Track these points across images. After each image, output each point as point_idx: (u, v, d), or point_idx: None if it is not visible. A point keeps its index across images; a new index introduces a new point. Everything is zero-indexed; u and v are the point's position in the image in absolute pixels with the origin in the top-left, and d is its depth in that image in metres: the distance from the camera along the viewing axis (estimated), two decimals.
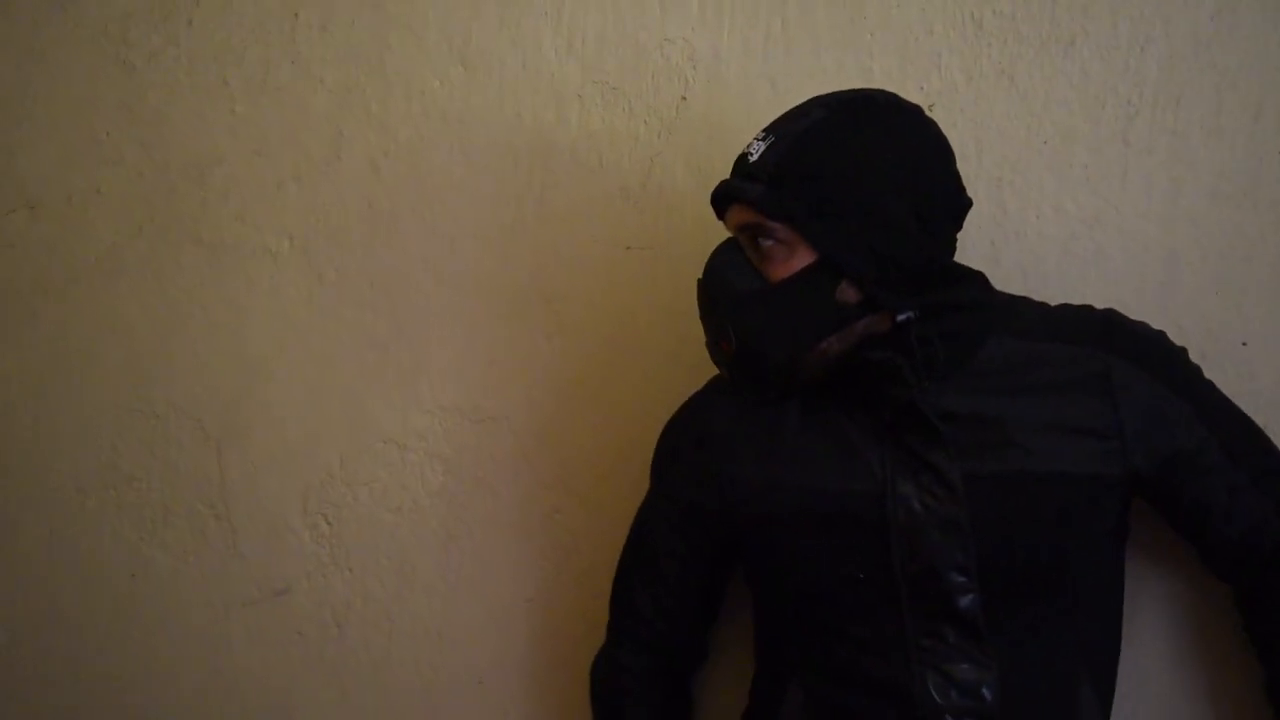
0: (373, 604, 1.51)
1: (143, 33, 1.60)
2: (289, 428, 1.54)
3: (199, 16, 1.58)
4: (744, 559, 1.17)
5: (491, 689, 1.47)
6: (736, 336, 1.03)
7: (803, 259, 1.01)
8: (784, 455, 1.08)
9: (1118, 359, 1.03)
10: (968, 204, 1.08)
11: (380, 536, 1.51)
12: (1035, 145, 1.25)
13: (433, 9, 1.48)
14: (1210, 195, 1.20)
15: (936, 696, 1.00)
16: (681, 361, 1.34)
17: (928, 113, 1.07)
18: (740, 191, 1.03)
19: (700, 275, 1.07)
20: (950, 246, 1.07)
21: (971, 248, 1.21)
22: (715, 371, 1.14)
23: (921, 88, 1.28)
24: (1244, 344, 1.18)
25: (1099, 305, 1.10)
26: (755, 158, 1.02)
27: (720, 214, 1.08)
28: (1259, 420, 1.08)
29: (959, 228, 1.08)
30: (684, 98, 1.38)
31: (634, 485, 1.31)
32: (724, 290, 1.04)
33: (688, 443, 1.18)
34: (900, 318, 1.02)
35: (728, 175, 1.07)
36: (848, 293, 1.01)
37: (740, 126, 1.32)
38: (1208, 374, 1.08)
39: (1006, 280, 1.18)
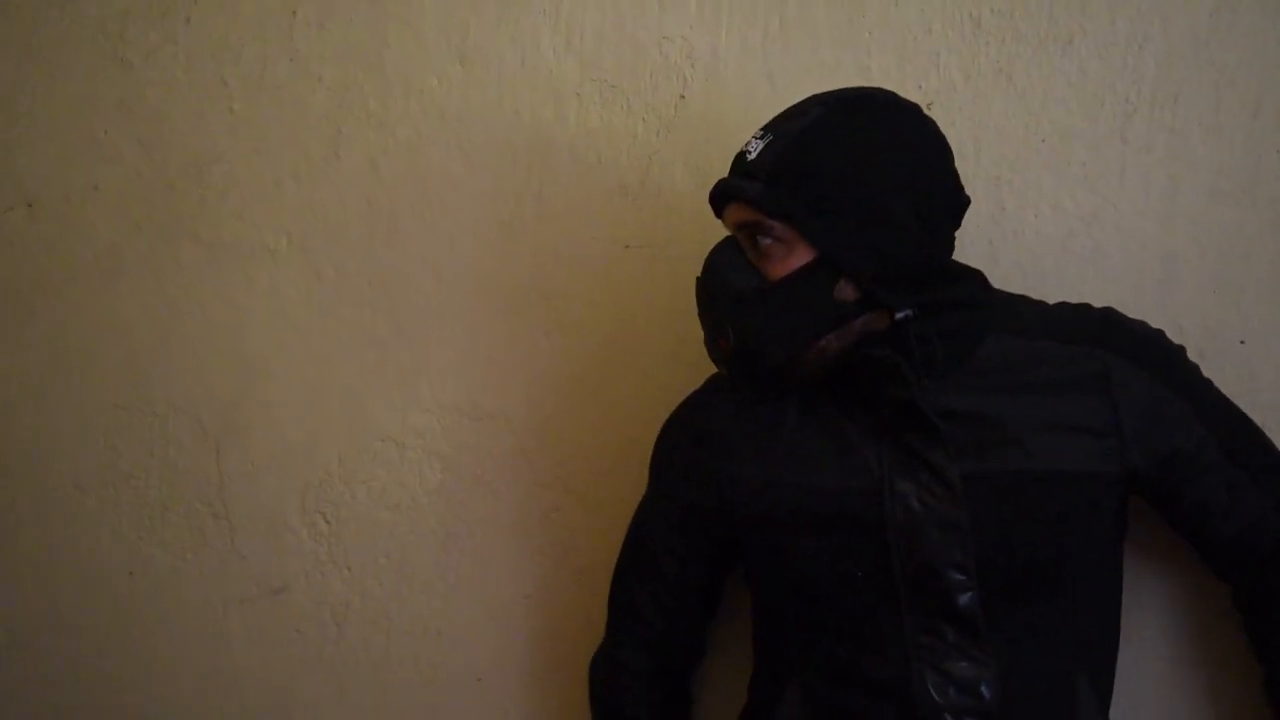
0: (371, 602, 1.51)
1: (140, 30, 1.60)
2: (287, 426, 1.54)
3: (197, 14, 1.58)
4: (743, 558, 1.17)
5: (490, 687, 1.47)
6: (735, 335, 1.03)
7: (801, 257, 1.01)
8: (782, 453, 1.08)
9: (1116, 357, 1.03)
10: (966, 202, 1.08)
11: (379, 535, 1.51)
12: (1033, 143, 1.25)
13: (431, 6, 1.48)
14: (1209, 193, 1.20)
15: (935, 695, 1.00)
16: (680, 360, 1.34)
17: (926, 111, 1.07)
18: (738, 190, 1.03)
19: (699, 273, 1.07)
20: (949, 245, 1.07)
21: (970, 246, 1.21)
22: (714, 370, 1.14)
23: (920, 86, 1.28)
24: (1242, 342, 1.19)
25: (1097, 303, 1.10)
26: (753, 156, 1.02)
27: (719, 212, 1.08)
28: (1257, 418, 1.08)
29: (957, 226, 1.08)
30: (682, 96, 1.38)
31: (633, 483, 1.31)
32: (723, 288, 1.04)
33: (686, 441, 1.18)
34: (899, 316, 1.02)
35: (726, 173, 1.07)
36: (846, 291, 1.01)
37: (739, 125, 1.32)
38: (1206, 372, 1.08)
39: (1005, 278, 1.18)
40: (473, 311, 1.47)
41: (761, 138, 1.03)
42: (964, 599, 1.00)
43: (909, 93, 1.22)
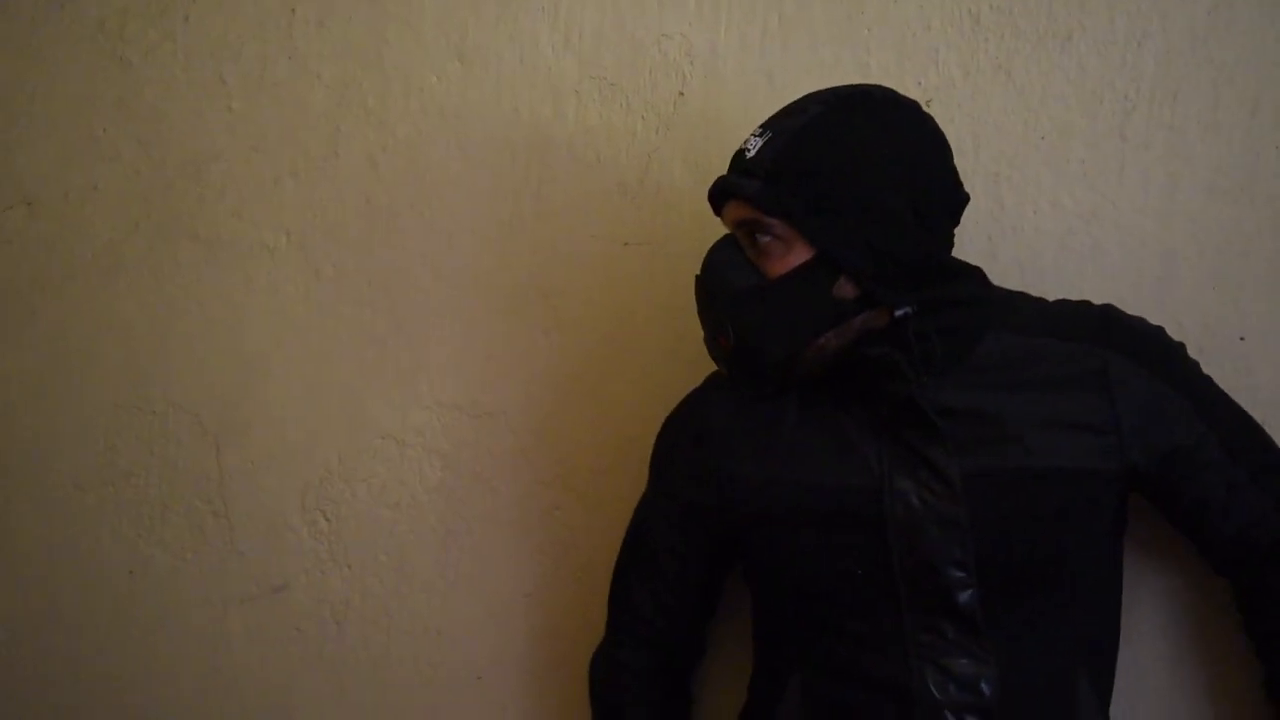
0: (371, 600, 1.51)
1: (139, 28, 1.60)
2: (287, 424, 1.54)
3: (196, 12, 1.58)
4: (743, 556, 1.17)
5: (490, 685, 1.47)
6: (734, 332, 1.03)
7: (800, 255, 1.01)
8: (782, 451, 1.08)
9: (1115, 354, 1.03)
10: (965, 199, 1.08)
11: (379, 533, 1.51)
12: (1032, 140, 1.25)
13: (430, 4, 1.48)
14: (1207, 190, 1.20)
15: (935, 692, 1.00)
16: (680, 357, 1.34)
17: (925, 108, 1.07)
18: (737, 187, 1.03)
19: (698, 271, 1.07)
20: (948, 242, 1.07)
21: (969, 243, 1.21)
22: (713, 367, 1.14)
23: (919, 83, 1.28)
24: (1241, 339, 1.19)
25: (1096, 300, 1.10)
26: (752, 154, 1.02)
27: (717, 210, 1.08)
28: (1257, 415, 1.08)
29: (956, 223, 1.08)
30: (681, 93, 1.38)
31: (632, 481, 1.31)
32: (722, 286, 1.04)
33: (686, 440, 1.18)
34: (898, 313, 1.02)
35: (725, 171, 1.07)
36: (845, 288, 1.01)
37: (737, 122, 1.32)
38: (1205, 369, 1.08)
39: (1003, 275, 1.18)
40: (472, 309, 1.47)
41: (760, 135, 1.03)
42: (964, 596, 1.00)
43: (908, 89, 1.22)
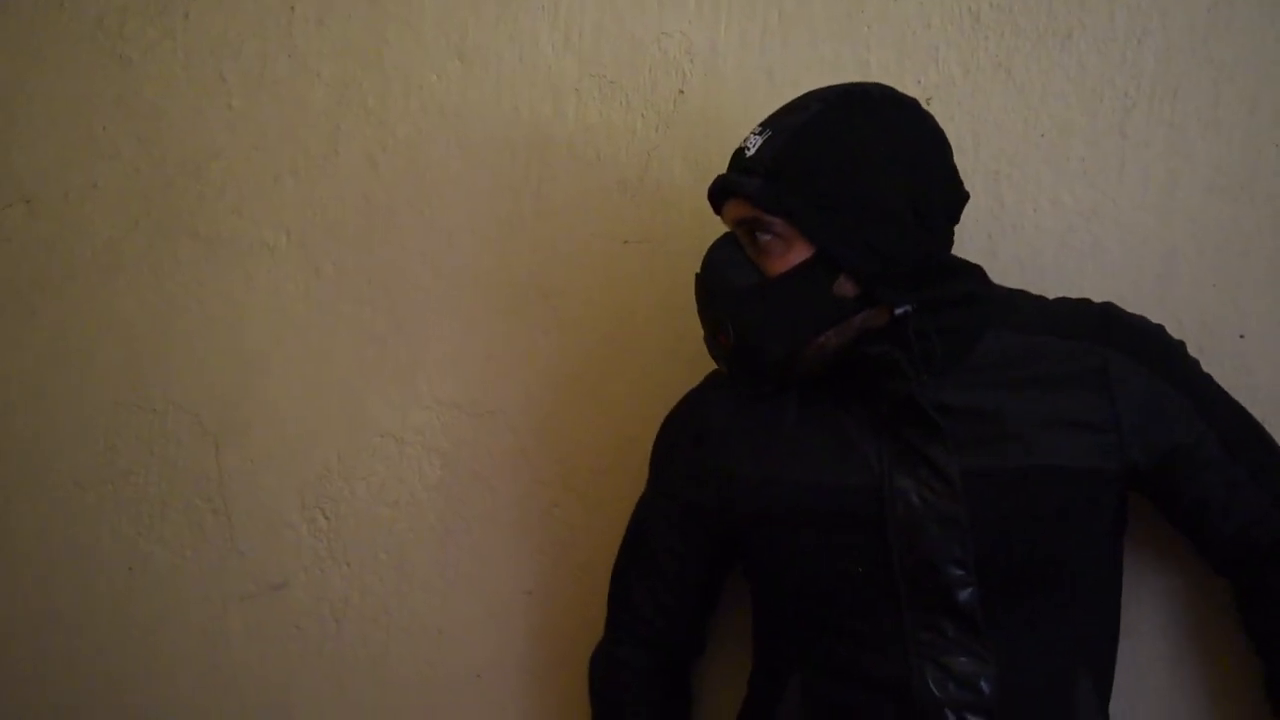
0: (370, 598, 1.51)
1: (139, 26, 1.60)
2: (286, 422, 1.54)
3: (195, 10, 1.58)
4: (743, 555, 1.17)
5: (489, 684, 1.47)
6: (734, 331, 1.03)
7: (800, 253, 1.01)
8: (782, 450, 1.08)
9: (1115, 353, 1.03)
10: (965, 197, 1.07)
11: (378, 531, 1.51)
12: (1032, 138, 1.25)
13: (430, 3, 1.48)
14: (1207, 188, 1.20)
15: (935, 690, 1.00)
16: (679, 356, 1.34)
17: (925, 106, 1.07)
18: (737, 186, 1.02)
19: (698, 270, 1.07)
20: (948, 240, 1.07)
21: (969, 241, 1.21)
22: (713, 366, 1.14)
23: (919, 81, 1.28)
24: (1241, 337, 1.19)
25: (1096, 298, 1.10)
26: (752, 152, 1.02)
27: (717, 208, 1.08)
28: (1256, 413, 1.08)
29: (956, 221, 1.08)
30: (681, 91, 1.38)
31: (632, 480, 1.31)
32: (722, 285, 1.04)
33: (686, 439, 1.18)
34: (898, 312, 1.02)
35: (725, 169, 1.07)
36: (845, 287, 1.01)
37: (737, 120, 1.32)
38: (1205, 367, 1.08)
39: (1003, 273, 1.18)
40: (471, 308, 1.47)
41: (760, 133, 1.03)
42: (963, 595, 1.00)
43: (908, 87, 1.22)
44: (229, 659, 1.57)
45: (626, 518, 1.27)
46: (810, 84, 1.10)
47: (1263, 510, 1.03)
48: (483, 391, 1.47)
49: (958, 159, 1.07)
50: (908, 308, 1.01)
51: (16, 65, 1.65)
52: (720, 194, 1.06)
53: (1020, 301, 1.09)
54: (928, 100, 1.25)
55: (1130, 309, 1.08)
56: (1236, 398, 1.08)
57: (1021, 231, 1.25)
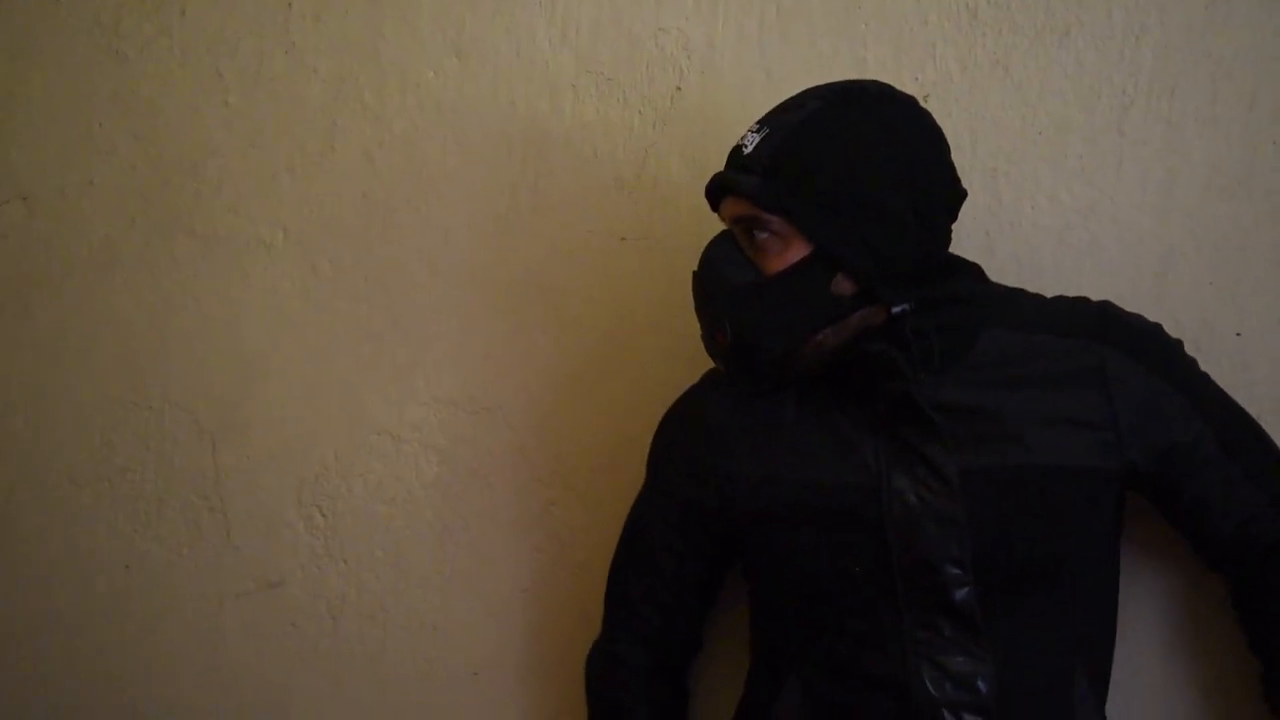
0: (367, 596, 1.51)
1: (135, 23, 1.60)
2: (283, 420, 1.54)
3: (192, 6, 1.58)
4: (741, 553, 1.16)
5: (487, 681, 1.47)
6: (732, 329, 1.03)
7: (798, 251, 1.00)
8: (780, 449, 1.08)
9: (1113, 351, 1.02)
10: (963, 195, 1.07)
11: (375, 529, 1.51)
12: (1030, 136, 1.25)
13: None
14: (1205, 186, 1.20)
15: (932, 689, 1.00)
16: (678, 354, 1.34)
17: (922, 103, 1.07)
18: (735, 184, 1.02)
19: (695, 268, 1.07)
20: (946, 238, 1.07)
21: (966, 239, 1.21)
22: (711, 364, 1.14)
23: (916, 78, 1.28)
24: (1238, 335, 1.19)
25: (1094, 296, 1.10)
26: (750, 149, 1.02)
27: (715, 206, 1.08)
28: (1254, 411, 1.08)
29: (954, 219, 1.08)
30: (678, 88, 1.38)
31: (630, 478, 1.30)
32: (719, 283, 1.04)
33: (683, 438, 1.18)
34: (896, 310, 1.01)
35: (722, 166, 1.07)
36: (843, 285, 1.01)
37: (735, 117, 1.32)
38: (1202, 365, 1.08)
39: (1001, 271, 1.18)
40: (469, 305, 1.47)
41: (757, 131, 1.03)
42: (961, 594, 0.99)
43: (905, 84, 1.22)
44: (226, 657, 1.57)
45: (624, 515, 1.27)
46: (807, 81, 1.09)
47: (1260, 509, 1.03)
48: (480, 389, 1.46)
49: (955, 156, 1.07)
50: (905, 306, 1.01)
51: (13, 62, 1.65)
52: (718, 191, 1.06)
53: (1018, 300, 1.09)
54: (925, 97, 1.25)
55: (1128, 307, 1.08)
56: (1234, 396, 1.08)
57: (1019, 229, 1.25)
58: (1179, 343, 1.08)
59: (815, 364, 1.04)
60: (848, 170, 0.99)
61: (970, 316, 1.05)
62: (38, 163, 1.64)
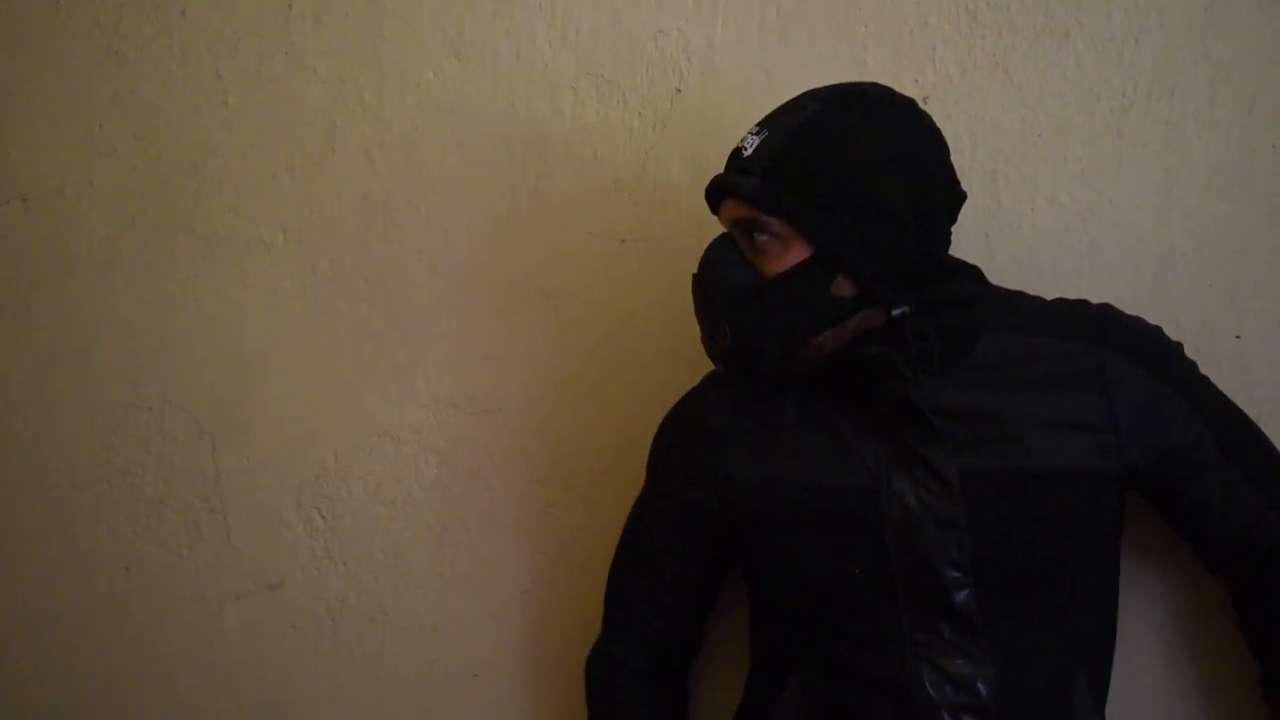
0: (367, 598, 1.51)
1: (135, 23, 1.60)
2: (283, 421, 1.54)
3: (192, 7, 1.58)
4: (742, 555, 1.17)
5: (486, 683, 1.47)
6: (732, 331, 1.03)
7: (798, 253, 1.01)
8: (780, 451, 1.08)
9: (1113, 354, 1.02)
10: (963, 197, 1.07)
11: (375, 530, 1.51)
12: (1030, 138, 1.25)
13: (427, 0, 1.47)
14: (1205, 188, 1.20)
15: (932, 692, 1.00)
16: (678, 355, 1.34)
17: (922, 105, 1.07)
18: (735, 186, 1.02)
19: (695, 270, 1.07)
20: (945, 240, 1.07)
21: (966, 241, 1.21)
22: (711, 366, 1.14)
23: (916, 80, 1.28)
24: (1238, 337, 1.19)
25: (1094, 298, 1.10)
26: (749, 152, 1.02)
27: (714, 208, 1.08)
28: (1253, 413, 1.08)
29: (954, 221, 1.08)
30: (678, 90, 1.38)
31: (630, 479, 1.30)
32: (719, 285, 1.04)
33: (683, 439, 1.18)
34: (896, 312, 1.01)
35: (722, 168, 1.07)
36: (843, 287, 1.01)
37: (735, 119, 1.32)
38: (1202, 367, 1.08)
39: (1000, 273, 1.18)
40: (469, 306, 1.47)
41: (757, 133, 1.03)
42: (960, 596, 1.00)
43: (905, 86, 1.22)
44: (225, 658, 1.57)
45: (624, 516, 1.27)
46: (807, 82, 1.09)
47: (1260, 512, 1.03)
48: (480, 390, 1.46)
49: (955, 158, 1.07)
50: (905, 308, 1.01)
51: (13, 62, 1.65)
52: (717, 194, 1.06)
53: (1018, 302, 1.09)
54: (924, 99, 1.25)
55: (1127, 309, 1.08)
56: (1234, 398, 1.08)
57: (1019, 231, 1.25)
58: (1179, 345, 1.08)
59: (815, 366, 1.04)
60: (848, 172, 0.99)
61: (970, 319, 1.05)
62: (38, 163, 1.64)
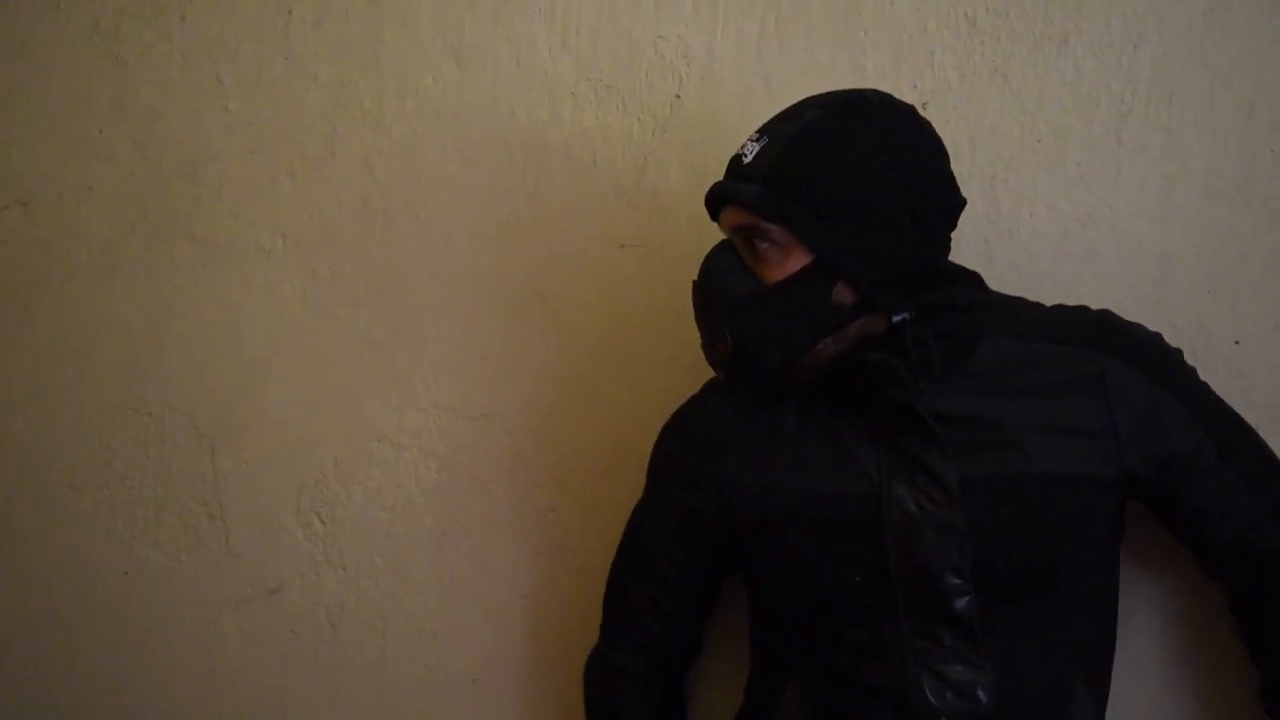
0: (367, 603, 1.51)
1: (135, 28, 1.60)
2: (283, 426, 1.54)
3: (192, 12, 1.58)
4: (742, 562, 1.17)
5: (486, 687, 1.47)
6: (732, 339, 1.03)
7: (798, 260, 1.00)
8: (780, 458, 1.08)
9: (1113, 360, 1.03)
10: (962, 203, 1.07)
11: (374, 535, 1.51)
12: (1029, 143, 1.25)
13: (427, 5, 1.48)
14: (1203, 193, 1.20)
15: (932, 699, 1.00)
16: (676, 360, 1.34)
17: (921, 111, 1.07)
18: (734, 193, 1.02)
19: (695, 276, 1.07)
20: (945, 246, 1.07)
21: (965, 246, 1.21)
22: (710, 370, 1.14)
23: (915, 86, 1.28)
24: (1236, 342, 1.19)
25: (1093, 303, 1.10)
26: (749, 159, 1.02)
27: (714, 215, 1.08)
28: (1251, 419, 1.08)
29: (953, 227, 1.08)
30: (678, 95, 1.38)
31: (629, 483, 1.31)
32: (719, 292, 1.04)
33: (684, 447, 1.18)
34: (896, 319, 1.01)
35: (722, 174, 1.07)
36: (843, 294, 1.01)
37: (734, 125, 1.32)
38: (1200, 372, 1.08)
39: (1000, 279, 1.18)
40: (468, 311, 1.47)
41: (757, 140, 1.03)
42: (961, 603, 1.00)
43: (904, 92, 1.22)
44: (224, 663, 1.57)
45: (624, 521, 1.27)
46: (806, 88, 1.10)
47: (1259, 518, 1.03)
48: (480, 395, 1.47)
49: (954, 164, 1.07)
50: (906, 315, 1.01)
51: (13, 67, 1.65)
52: (717, 201, 1.06)
53: (1018, 308, 1.09)
54: (923, 105, 1.25)
55: (1126, 314, 1.09)
56: (1232, 402, 1.08)
57: (1018, 237, 1.25)
58: (1178, 352, 1.08)
59: (815, 373, 1.04)
60: (848, 179, 0.99)
61: (970, 325, 1.05)
62: (37, 168, 1.64)
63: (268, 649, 1.55)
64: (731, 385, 1.08)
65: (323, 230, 1.52)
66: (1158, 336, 1.07)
